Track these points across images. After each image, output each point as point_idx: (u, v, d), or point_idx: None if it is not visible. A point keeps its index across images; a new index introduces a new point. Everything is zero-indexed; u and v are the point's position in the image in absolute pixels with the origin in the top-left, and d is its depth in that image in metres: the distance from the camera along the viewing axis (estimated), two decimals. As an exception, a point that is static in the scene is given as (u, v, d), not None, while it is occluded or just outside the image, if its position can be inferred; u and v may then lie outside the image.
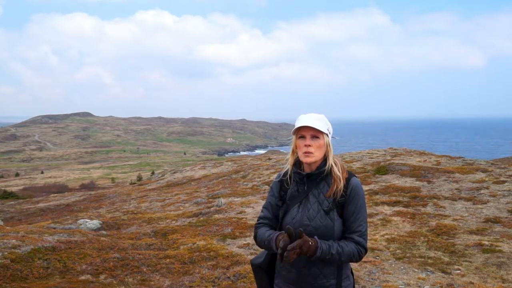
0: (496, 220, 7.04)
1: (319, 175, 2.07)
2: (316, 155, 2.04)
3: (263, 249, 2.19)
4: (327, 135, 2.07)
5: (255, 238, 2.16)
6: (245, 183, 15.47)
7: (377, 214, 8.05)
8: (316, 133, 2.04)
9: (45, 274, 5.19)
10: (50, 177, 70.12)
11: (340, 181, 2.03)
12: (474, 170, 11.41)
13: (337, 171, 2.06)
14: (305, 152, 2.03)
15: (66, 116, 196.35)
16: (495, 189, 9.24)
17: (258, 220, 2.22)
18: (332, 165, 2.07)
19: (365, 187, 10.60)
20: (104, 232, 8.21)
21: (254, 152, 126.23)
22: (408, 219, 7.47)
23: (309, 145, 2.03)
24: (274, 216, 2.16)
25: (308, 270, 2.02)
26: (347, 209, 2.02)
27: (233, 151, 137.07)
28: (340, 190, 2.02)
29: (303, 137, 2.06)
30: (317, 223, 2.00)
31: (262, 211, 2.23)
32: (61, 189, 38.64)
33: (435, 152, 18.97)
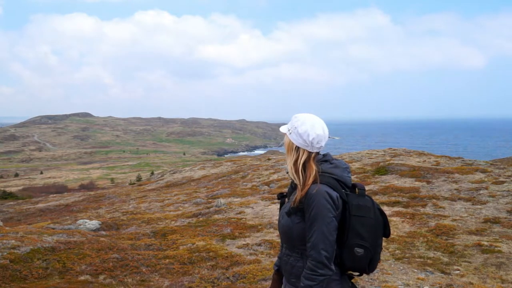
0: (495, 221, 7.05)
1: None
2: (287, 161, 2.06)
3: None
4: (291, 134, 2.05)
5: None
6: (244, 183, 15.47)
7: (376, 214, 8.05)
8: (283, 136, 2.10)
9: (44, 274, 5.19)
10: (49, 177, 70.05)
11: (301, 190, 1.96)
12: (473, 171, 11.41)
13: (296, 176, 2.00)
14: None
15: (66, 117, 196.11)
16: (494, 189, 9.24)
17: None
18: (295, 169, 2.02)
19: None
20: (103, 232, 8.21)
21: (253, 152, 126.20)
22: (408, 220, 7.47)
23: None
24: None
25: (285, 265, 2.07)
26: (306, 216, 1.93)
27: (233, 152, 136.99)
28: (300, 197, 1.95)
29: None
30: (284, 222, 2.03)
31: None
32: (60, 189, 38.61)
33: (435, 152, 18.98)
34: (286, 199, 2.13)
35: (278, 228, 2.16)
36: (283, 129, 2.08)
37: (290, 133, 2.02)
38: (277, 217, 2.22)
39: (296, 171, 1.99)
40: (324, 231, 1.85)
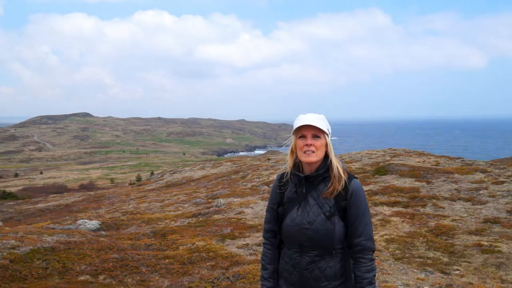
0: (495, 221, 7.05)
1: (317, 177, 2.04)
2: (317, 155, 2.00)
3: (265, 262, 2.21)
4: (327, 135, 2.04)
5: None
6: (244, 183, 15.46)
7: (376, 214, 8.05)
8: (317, 133, 2.01)
9: (44, 274, 5.19)
10: (49, 177, 70.03)
11: (340, 180, 2.00)
12: (473, 171, 11.41)
13: (339, 169, 2.03)
14: (306, 151, 2.00)
15: (65, 117, 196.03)
16: (494, 189, 9.25)
17: (263, 234, 2.23)
18: (334, 164, 2.04)
19: (364, 188, 10.59)
20: (103, 232, 8.20)
21: (253, 152, 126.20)
22: (407, 220, 7.47)
23: (311, 144, 1.99)
24: (275, 221, 2.15)
25: (310, 273, 2.00)
26: (349, 213, 1.97)
27: (232, 152, 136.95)
28: (337, 190, 1.98)
29: (303, 136, 2.02)
30: (317, 227, 1.96)
31: (265, 215, 2.24)
32: (60, 189, 38.58)
33: (434, 152, 18.99)
34: (297, 206, 2.04)
35: (301, 236, 1.99)
36: (323, 127, 2.01)
37: (329, 134, 2.08)
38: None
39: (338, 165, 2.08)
40: (371, 221, 2.04)
